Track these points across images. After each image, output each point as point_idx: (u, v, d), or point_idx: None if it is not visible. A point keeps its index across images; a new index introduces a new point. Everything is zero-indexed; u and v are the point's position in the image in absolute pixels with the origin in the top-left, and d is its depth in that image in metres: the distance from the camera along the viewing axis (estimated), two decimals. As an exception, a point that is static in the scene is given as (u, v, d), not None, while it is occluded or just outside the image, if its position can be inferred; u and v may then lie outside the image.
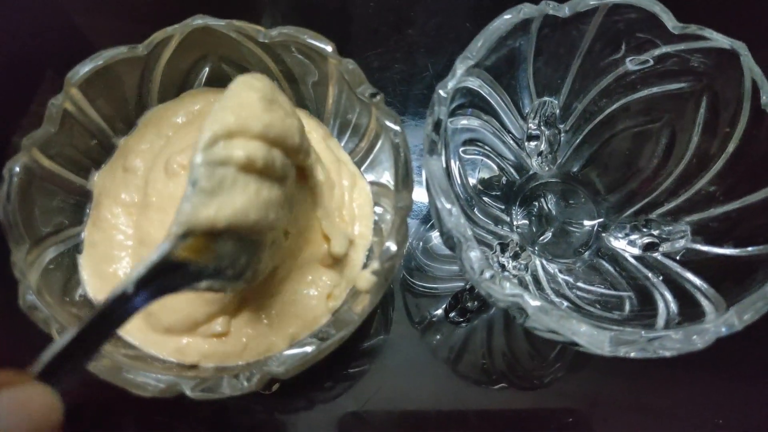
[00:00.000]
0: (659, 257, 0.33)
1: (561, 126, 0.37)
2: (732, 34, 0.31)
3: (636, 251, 0.35)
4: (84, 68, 0.29)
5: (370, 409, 0.42)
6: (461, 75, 0.29)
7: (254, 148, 0.22)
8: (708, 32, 0.30)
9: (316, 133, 0.32)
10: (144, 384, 0.24)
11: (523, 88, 0.35)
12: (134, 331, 0.27)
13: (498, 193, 0.37)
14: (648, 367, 0.38)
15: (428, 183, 0.27)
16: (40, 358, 0.17)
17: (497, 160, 0.36)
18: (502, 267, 0.34)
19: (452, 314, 0.39)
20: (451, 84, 0.29)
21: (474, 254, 0.26)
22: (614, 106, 0.35)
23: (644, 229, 0.35)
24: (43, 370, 0.17)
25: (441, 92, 0.28)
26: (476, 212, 0.35)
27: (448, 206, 0.26)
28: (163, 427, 0.33)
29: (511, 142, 0.36)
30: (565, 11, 0.31)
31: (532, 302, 0.25)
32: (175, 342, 0.27)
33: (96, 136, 0.31)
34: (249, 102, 0.22)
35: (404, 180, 0.27)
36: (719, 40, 0.30)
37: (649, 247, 0.35)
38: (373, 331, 0.46)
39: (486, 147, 0.35)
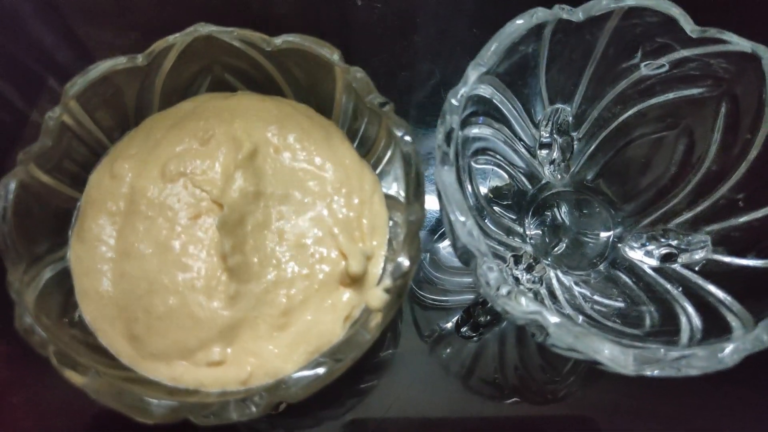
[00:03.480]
0: (678, 269, 0.32)
1: (574, 134, 0.36)
2: (753, 37, 0.30)
3: (654, 262, 0.34)
4: (82, 80, 0.28)
5: (380, 425, 0.41)
6: (473, 82, 0.28)
7: None
8: (728, 35, 0.29)
9: (337, 136, 0.31)
10: (146, 409, 0.23)
11: (536, 94, 0.34)
12: (125, 357, 0.26)
13: (510, 203, 0.36)
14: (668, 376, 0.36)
15: (440, 195, 0.26)
16: None
17: (509, 169, 0.35)
18: (516, 280, 0.33)
19: (464, 329, 0.38)
20: (462, 91, 0.28)
21: (490, 269, 0.25)
22: (629, 113, 0.34)
23: (662, 240, 0.34)
24: None
25: (453, 100, 0.27)
26: (488, 223, 0.34)
27: (462, 219, 0.25)
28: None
29: (523, 150, 0.35)
30: (579, 15, 0.30)
31: (552, 319, 0.24)
32: (169, 370, 0.25)
33: (95, 149, 0.30)
34: None
35: (416, 192, 0.26)
36: (740, 43, 0.29)
37: (667, 258, 0.33)
38: (383, 345, 0.45)
39: (497, 156, 0.34)
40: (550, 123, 0.35)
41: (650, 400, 0.41)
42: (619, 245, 0.35)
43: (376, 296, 0.25)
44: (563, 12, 0.30)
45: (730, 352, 0.24)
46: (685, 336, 0.28)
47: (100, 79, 0.28)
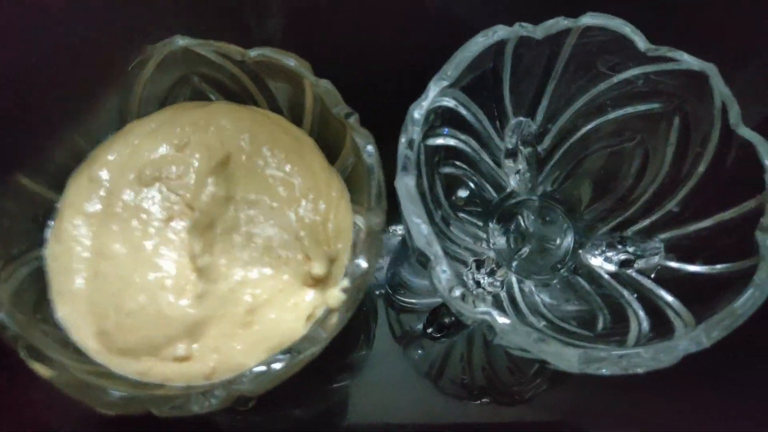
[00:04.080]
0: (634, 274, 0.34)
1: (539, 145, 0.37)
2: (706, 54, 0.31)
3: (612, 268, 0.35)
4: (63, 87, 0.29)
5: (351, 424, 0.42)
6: (434, 96, 0.30)
7: None
8: (678, 54, 0.31)
9: (307, 144, 0.32)
10: (110, 401, 0.24)
11: (501, 107, 0.35)
12: (94, 353, 0.27)
13: (476, 211, 0.37)
14: (632, 378, 0.38)
15: (399, 200, 0.27)
16: None
17: (475, 178, 0.36)
18: (477, 284, 0.34)
19: (430, 329, 0.39)
20: (424, 104, 0.29)
21: (443, 271, 0.26)
22: (589, 126, 0.36)
23: (620, 246, 0.35)
24: None
25: (414, 113, 0.29)
26: (453, 229, 0.35)
27: (418, 222, 0.26)
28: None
29: (489, 160, 0.37)
30: (538, 33, 0.32)
31: (500, 320, 0.25)
32: (137, 365, 0.27)
33: (74, 153, 0.31)
34: None
35: (377, 198, 0.28)
36: (689, 61, 0.31)
37: (625, 264, 0.35)
38: (356, 346, 0.46)
39: (464, 165, 0.36)
40: (515, 134, 0.37)
41: (616, 401, 0.43)
42: (580, 251, 0.37)
43: (334, 296, 0.26)
44: (523, 30, 0.31)
45: (669, 351, 0.26)
46: (632, 337, 0.30)
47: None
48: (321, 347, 0.25)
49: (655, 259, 0.34)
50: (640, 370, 0.26)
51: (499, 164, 0.37)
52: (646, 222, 0.35)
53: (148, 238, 0.29)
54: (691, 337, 0.26)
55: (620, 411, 0.43)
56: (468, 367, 0.42)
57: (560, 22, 0.31)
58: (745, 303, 0.26)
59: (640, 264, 0.34)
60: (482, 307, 0.26)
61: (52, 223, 0.30)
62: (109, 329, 0.27)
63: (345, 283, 0.26)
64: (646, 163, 0.35)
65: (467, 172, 0.36)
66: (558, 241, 0.37)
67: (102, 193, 0.30)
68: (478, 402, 0.43)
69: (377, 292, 0.46)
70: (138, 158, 0.30)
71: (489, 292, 0.34)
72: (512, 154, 0.37)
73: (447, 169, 0.35)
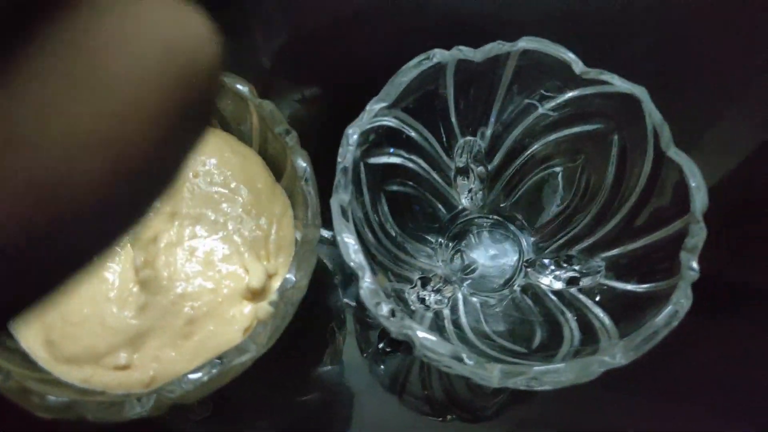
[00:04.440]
0: (575, 292, 0.34)
1: (489, 164, 0.38)
2: (644, 76, 0.32)
3: (559, 285, 0.36)
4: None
5: (313, 438, 0.43)
6: (371, 117, 0.31)
7: None
8: (610, 77, 0.32)
9: (254, 162, 0.34)
10: (47, 406, 0.25)
11: (448, 127, 0.36)
12: (42, 361, 0.28)
13: (427, 227, 0.38)
14: (596, 391, 0.38)
15: (333, 218, 0.28)
16: None
17: (425, 197, 0.37)
18: (422, 301, 0.35)
19: (381, 344, 0.40)
20: (360, 124, 0.30)
21: (368, 286, 0.27)
22: (535, 146, 0.36)
23: (565, 265, 0.36)
24: None
25: (350, 132, 0.30)
26: (407, 247, 0.36)
27: (347, 239, 0.28)
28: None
29: (439, 179, 0.38)
30: (477, 56, 0.33)
31: (420, 335, 0.26)
32: (79, 372, 0.28)
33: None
34: None
35: (313, 215, 0.29)
36: (621, 85, 0.32)
37: (572, 282, 0.36)
38: (323, 360, 0.47)
39: (413, 183, 0.37)
40: (464, 154, 0.38)
41: (581, 416, 0.43)
42: (529, 270, 0.38)
43: (263, 309, 0.27)
44: (461, 53, 0.32)
45: (585, 367, 0.26)
46: (563, 351, 0.31)
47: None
48: (251, 357, 0.26)
49: (597, 278, 0.34)
50: (561, 385, 0.27)
51: (449, 183, 0.38)
52: (590, 241, 0.35)
53: (96, 252, 0.30)
54: (608, 354, 0.27)
55: (585, 427, 0.43)
56: (428, 383, 0.43)
57: (497, 46, 0.33)
58: (661, 321, 0.27)
59: (584, 282, 0.35)
60: (405, 322, 0.26)
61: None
62: (55, 338, 0.29)
63: (273, 296, 0.27)
64: (589, 183, 0.36)
65: (417, 191, 0.37)
66: (508, 259, 0.38)
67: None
68: (440, 419, 0.43)
69: (348, 308, 0.47)
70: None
71: (430, 309, 0.34)
72: (464, 172, 0.38)
73: (394, 188, 0.36)
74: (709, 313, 0.35)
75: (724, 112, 0.41)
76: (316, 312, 0.46)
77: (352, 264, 0.27)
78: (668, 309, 0.27)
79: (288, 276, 0.27)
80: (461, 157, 0.38)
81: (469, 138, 0.37)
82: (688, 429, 0.37)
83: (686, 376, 0.37)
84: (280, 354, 0.36)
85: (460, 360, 0.26)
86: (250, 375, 0.30)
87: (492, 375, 0.26)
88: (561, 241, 0.37)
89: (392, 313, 0.27)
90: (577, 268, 0.36)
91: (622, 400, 0.41)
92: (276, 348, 0.32)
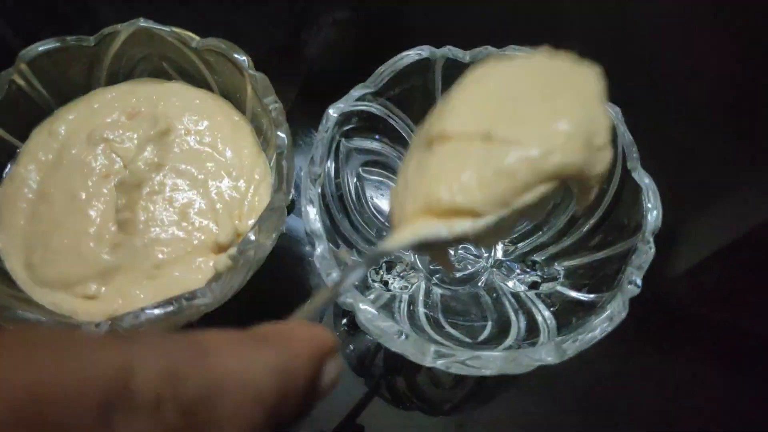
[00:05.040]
0: (531, 295, 0.36)
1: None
2: (624, 96, 0.33)
3: (522, 288, 0.37)
4: (35, 48, 0.33)
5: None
6: (353, 100, 0.33)
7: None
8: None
9: (244, 129, 0.36)
10: (14, 318, 0.28)
11: (435, 123, 0.38)
12: (21, 281, 0.31)
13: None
14: (554, 396, 0.39)
15: (301, 187, 0.30)
16: (309, 308, 0.19)
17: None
18: (385, 283, 0.37)
19: (344, 321, 0.42)
20: (341, 105, 0.32)
21: (323, 256, 0.29)
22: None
23: (529, 270, 0.37)
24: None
25: (330, 111, 0.32)
26: (378, 231, 0.38)
27: (309, 207, 0.29)
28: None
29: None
30: (467, 58, 0.34)
31: (362, 307, 0.28)
32: (52, 296, 0.30)
33: (42, 110, 0.35)
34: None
35: (286, 182, 0.31)
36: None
37: (533, 286, 0.37)
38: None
39: (393, 173, 0.38)
40: (449, 150, 0.39)
41: (534, 415, 0.44)
42: (494, 269, 0.39)
43: (221, 261, 0.29)
44: (449, 52, 0.34)
45: (517, 360, 0.27)
46: (503, 346, 0.32)
47: (53, 50, 0.34)
48: (205, 303, 0.28)
49: (555, 284, 0.35)
50: (488, 372, 0.28)
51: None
52: (555, 249, 0.37)
53: (85, 190, 0.33)
54: (539, 351, 0.28)
55: (539, 425, 0.44)
56: (393, 370, 0.44)
57: (487, 50, 0.34)
58: (594, 326, 0.28)
59: (543, 287, 0.36)
60: (349, 292, 0.28)
61: (10, 166, 0.34)
62: (36, 262, 0.31)
63: (232, 250, 0.29)
64: (562, 194, 0.37)
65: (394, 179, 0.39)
66: (476, 257, 0.40)
67: (56, 146, 0.34)
68: (401, 407, 0.44)
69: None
70: (93, 120, 0.34)
71: (391, 291, 0.36)
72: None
73: (374, 172, 0.38)
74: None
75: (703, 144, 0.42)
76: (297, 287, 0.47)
77: (309, 231, 0.29)
78: (602, 316, 0.28)
79: (249, 234, 0.29)
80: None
81: (454, 136, 0.39)
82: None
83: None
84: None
85: (399, 335, 0.28)
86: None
87: (425, 355, 0.28)
88: (528, 248, 0.38)
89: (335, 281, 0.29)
90: (539, 273, 0.37)
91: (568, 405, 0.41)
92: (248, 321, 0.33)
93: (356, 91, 0.33)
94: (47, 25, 0.39)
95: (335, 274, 0.29)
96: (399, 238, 0.21)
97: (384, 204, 0.39)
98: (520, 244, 0.38)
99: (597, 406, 0.38)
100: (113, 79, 0.37)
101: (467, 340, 0.34)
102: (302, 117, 0.41)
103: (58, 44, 0.34)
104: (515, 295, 0.36)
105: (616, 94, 0.34)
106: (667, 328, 0.38)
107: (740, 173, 0.42)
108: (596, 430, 0.39)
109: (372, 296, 0.34)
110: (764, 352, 0.38)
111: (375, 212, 0.38)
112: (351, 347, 0.47)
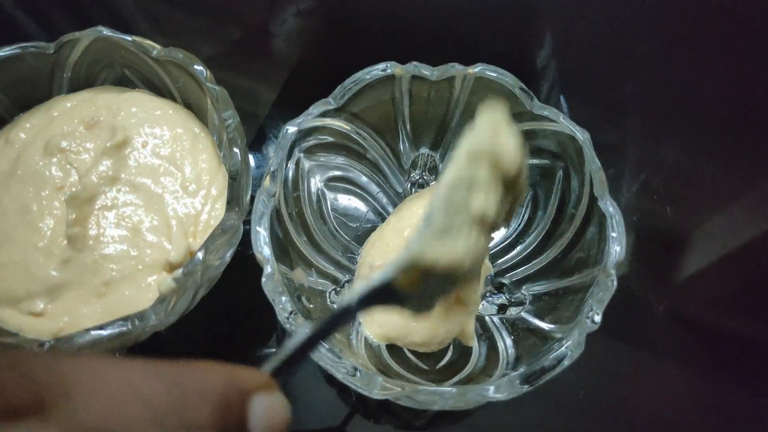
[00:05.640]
0: (496, 320, 0.35)
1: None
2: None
3: (492, 310, 0.36)
4: (-8, 54, 0.33)
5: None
6: (312, 117, 0.32)
7: (493, 202, 0.21)
8: (555, 115, 0.32)
9: (204, 142, 0.35)
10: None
11: (403, 139, 0.37)
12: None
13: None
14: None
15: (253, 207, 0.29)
16: (275, 358, 0.18)
17: (372, 203, 0.38)
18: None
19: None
20: (299, 121, 0.31)
21: (267, 280, 0.28)
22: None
23: (497, 292, 0.36)
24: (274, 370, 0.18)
25: (288, 128, 0.31)
26: (345, 250, 0.37)
27: (259, 230, 0.29)
28: None
29: (388, 189, 0.38)
30: (433, 75, 0.33)
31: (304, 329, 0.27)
32: None
33: (2, 116, 0.35)
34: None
35: (237, 201, 0.30)
36: (565, 124, 0.32)
37: (501, 309, 0.36)
38: (267, 342, 0.48)
39: (358, 188, 0.37)
40: (419, 166, 0.38)
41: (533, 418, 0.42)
42: (463, 291, 0.38)
43: (164, 282, 0.28)
44: (415, 69, 0.33)
45: (464, 394, 0.26)
46: (462, 375, 0.31)
47: (12, 56, 0.33)
48: (152, 325, 0.28)
49: (521, 309, 0.34)
50: (436, 408, 0.27)
51: (399, 195, 0.39)
52: (524, 272, 0.35)
53: (37, 202, 0.32)
54: (491, 387, 0.27)
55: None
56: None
57: (453, 68, 0.33)
58: (547, 364, 0.27)
59: (510, 311, 0.35)
60: (290, 321, 0.27)
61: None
62: (-19, 278, 0.31)
63: (178, 272, 0.28)
64: (534, 215, 0.36)
65: (362, 195, 0.38)
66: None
67: (13, 154, 0.33)
68: (372, 421, 0.43)
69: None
70: (51, 129, 0.34)
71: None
72: (420, 186, 0.39)
73: (340, 188, 0.37)
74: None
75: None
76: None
77: (257, 254, 0.28)
78: (557, 353, 0.27)
79: (198, 254, 0.28)
80: (416, 170, 0.38)
81: (424, 151, 0.38)
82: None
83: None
84: (221, 342, 0.37)
85: (346, 372, 0.27)
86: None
87: (372, 389, 0.27)
88: (500, 268, 0.37)
89: (291, 313, 0.28)
90: (507, 296, 0.36)
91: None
92: (216, 336, 0.33)
93: (316, 108, 0.32)
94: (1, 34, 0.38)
95: (284, 299, 0.28)
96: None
97: (350, 220, 0.38)
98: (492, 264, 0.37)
99: (597, 406, 0.37)
100: (75, 86, 0.36)
101: (424, 366, 0.33)
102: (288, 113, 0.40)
103: (18, 51, 0.33)
104: (480, 320, 0.35)
105: (615, 99, 0.32)
106: (667, 330, 0.37)
107: (748, 178, 0.41)
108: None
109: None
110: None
111: (337, 228, 0.37)
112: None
